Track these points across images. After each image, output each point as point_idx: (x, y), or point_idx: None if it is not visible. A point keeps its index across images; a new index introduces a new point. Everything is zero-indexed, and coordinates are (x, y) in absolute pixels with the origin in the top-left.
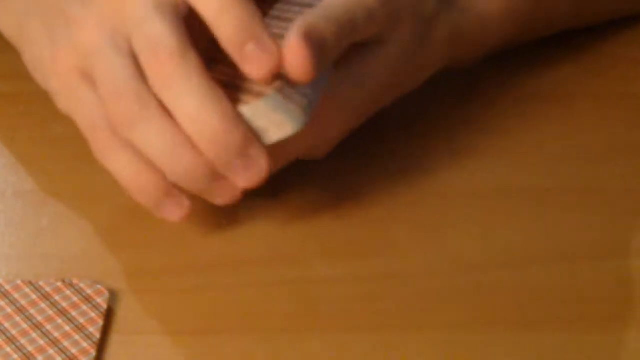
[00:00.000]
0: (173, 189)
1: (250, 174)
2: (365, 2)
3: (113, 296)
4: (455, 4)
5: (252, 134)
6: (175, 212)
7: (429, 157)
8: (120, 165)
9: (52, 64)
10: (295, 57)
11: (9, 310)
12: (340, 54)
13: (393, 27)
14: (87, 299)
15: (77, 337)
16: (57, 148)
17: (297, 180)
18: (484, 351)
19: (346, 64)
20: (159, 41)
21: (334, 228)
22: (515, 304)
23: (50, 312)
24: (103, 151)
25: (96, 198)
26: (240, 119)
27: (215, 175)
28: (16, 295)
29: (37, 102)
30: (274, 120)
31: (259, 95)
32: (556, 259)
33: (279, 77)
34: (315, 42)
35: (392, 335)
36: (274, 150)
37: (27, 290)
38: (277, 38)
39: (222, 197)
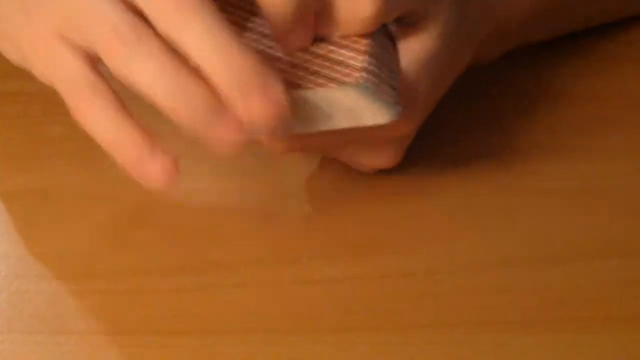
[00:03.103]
0: (156, 147)
1: (267, 98)
2: None
3: (113, 296)
4: None
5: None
6: (158, 174)
7: (429, 157)
8: (101, 125)
9: (28, 32)
10: None
11: None
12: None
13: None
14: None
15: None
16: (56, 147)
17: (297, 181)
18: (484, 351)
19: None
20: None
21: (334, 228)
22: (515, 304)
23: None
24: (84, 111)
25: (96, 198)
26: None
27: (221, 108)
28: None
29: (37, 102)
30: (367, 107)
31: (347, 78)
32: (556, 259)
33: (367, 62)
34: None
35: (392, 336)
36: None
37: None
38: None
39: (223, 139)
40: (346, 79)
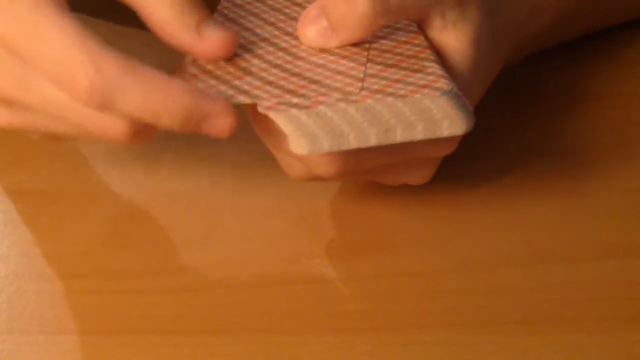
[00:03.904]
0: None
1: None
2: None
3: (112, 296)
4: None
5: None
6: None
7: None
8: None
9: None
10: None
11: None
12: None
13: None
14: None
15: None
16: (57, 148)
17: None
18: (484, 351)
19: None
20: None
21: (334, 228)
22: (515, 304)
23: None
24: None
25: (96, 198)
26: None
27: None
28: None
29: None
30: (449, 115)
31: (434, 84)
32: (556, 259)
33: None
34: None
35: (392, 335)
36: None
37: None
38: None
39: (217, 128)
40: (434, 85)
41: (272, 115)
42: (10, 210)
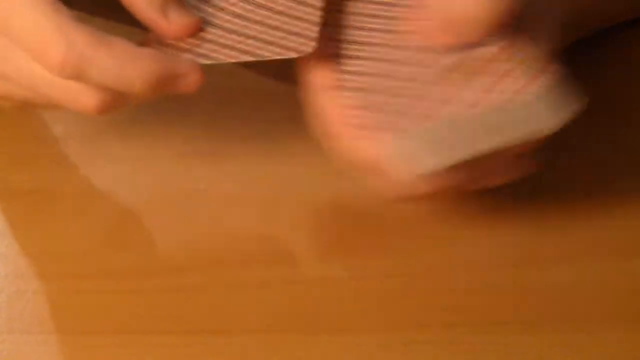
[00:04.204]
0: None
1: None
2: None
3: (112, 296)
4: None
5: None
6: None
7: None
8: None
9: None
10: None
11: None
12: None
13: None
14: None
15: None
16: (57, 147)
17: (297, 181)
18: (484, 351)
19: None
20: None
21: (334, 228)
22: (515, 304)
23: None
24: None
25: (96, 197)
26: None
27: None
28: None
29: None
30: (556, 109)
31: (539, 78)
32: (556, 258)
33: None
34: None
35: (392, 335)
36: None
37: None
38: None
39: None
40: (541, 78)
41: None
42: (10, 209)
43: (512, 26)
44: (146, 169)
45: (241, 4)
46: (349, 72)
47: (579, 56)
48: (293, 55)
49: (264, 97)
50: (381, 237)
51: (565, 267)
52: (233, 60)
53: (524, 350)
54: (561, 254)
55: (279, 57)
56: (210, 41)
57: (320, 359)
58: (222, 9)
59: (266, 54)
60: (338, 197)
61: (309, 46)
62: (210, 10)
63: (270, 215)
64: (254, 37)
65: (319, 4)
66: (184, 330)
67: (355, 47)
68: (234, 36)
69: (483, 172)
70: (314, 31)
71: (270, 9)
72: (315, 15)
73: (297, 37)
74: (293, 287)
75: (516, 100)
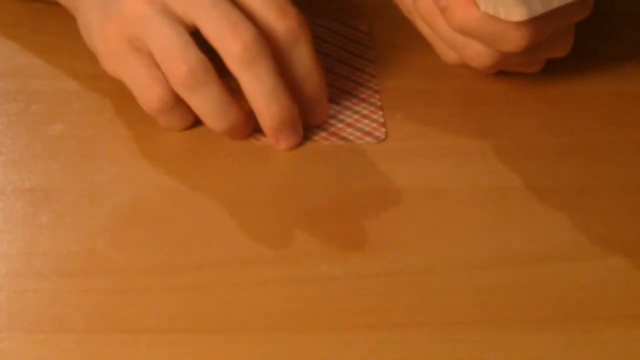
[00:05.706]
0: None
1: (288, 142)
2: None
3: (112, 294)
4: None
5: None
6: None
7: (429, 157)
8: (174, 120)
9: (102, 31)
10: None
11: None
12: None
13: None
14: None
15: None
16: (57, 146)
17: (297, 180)
18: (484, 351)
19: None
20: (238, 23)
21: (334, 228)
22: (515, 304)
23: None
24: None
25: (96, 196)
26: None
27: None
28: None
29: (38, 100)
30: None
31: None
32: (556, 258)
33: None
34: None
35: (391, 334)
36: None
37: None
38: None
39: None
40: None
41: None
42: (10, 208)
43: None
44: (146, 169)
45: None
46: None
47: None
48: None
49: None
50: (380, 235)
51: (565, 266)
52: None
53: (524, 350)
54: (561, 254)
55: None
56: None
57: (320, 358)
58: None
59: None
60: (338, 196)
61: None
62: None
63: (270, 215)
64: None
65: None
66: (184, 330)
67: None
68: None
69: (549, 40)
70: None
71: None
72: None
73: None
74: (293, 287)
75: None
